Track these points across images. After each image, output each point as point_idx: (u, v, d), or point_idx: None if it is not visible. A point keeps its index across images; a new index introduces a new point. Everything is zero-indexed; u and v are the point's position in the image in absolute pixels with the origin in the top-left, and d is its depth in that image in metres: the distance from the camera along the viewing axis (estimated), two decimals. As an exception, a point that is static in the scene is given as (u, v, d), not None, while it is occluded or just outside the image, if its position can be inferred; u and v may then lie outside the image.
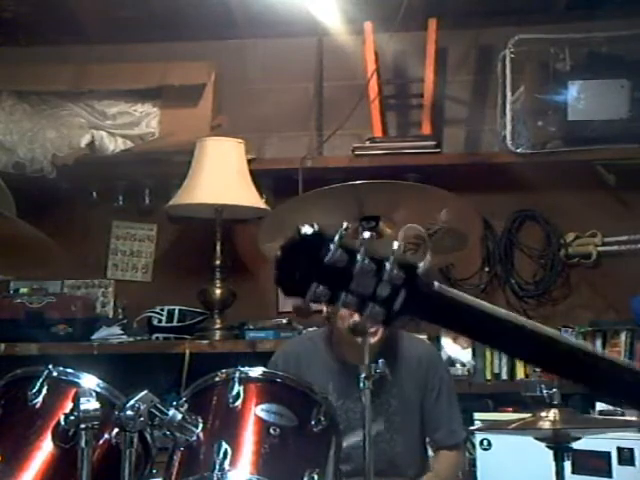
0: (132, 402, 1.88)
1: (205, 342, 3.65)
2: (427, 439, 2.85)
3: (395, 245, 1.09)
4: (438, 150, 3.80)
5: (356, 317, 2.50)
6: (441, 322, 1.20)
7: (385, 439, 2.65)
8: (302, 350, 2.83)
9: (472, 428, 3.14)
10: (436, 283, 1.12)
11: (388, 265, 1.07)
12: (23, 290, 3.90)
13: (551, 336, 1.17)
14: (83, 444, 1.85)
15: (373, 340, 2.49)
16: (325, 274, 1.07)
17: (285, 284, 1.09)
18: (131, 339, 3.79)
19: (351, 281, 1.07)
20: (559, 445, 2.32)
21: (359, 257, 1.07)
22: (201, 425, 2.03)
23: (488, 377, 3.69)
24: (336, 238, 1.08)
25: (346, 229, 1.08)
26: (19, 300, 3.79)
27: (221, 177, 3.66)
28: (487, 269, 3.93)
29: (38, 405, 2.05)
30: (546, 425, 2.30)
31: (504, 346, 1.25)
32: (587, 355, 1.18)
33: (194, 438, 2.01)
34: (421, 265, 1.09)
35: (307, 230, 1.08)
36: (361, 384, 2.09)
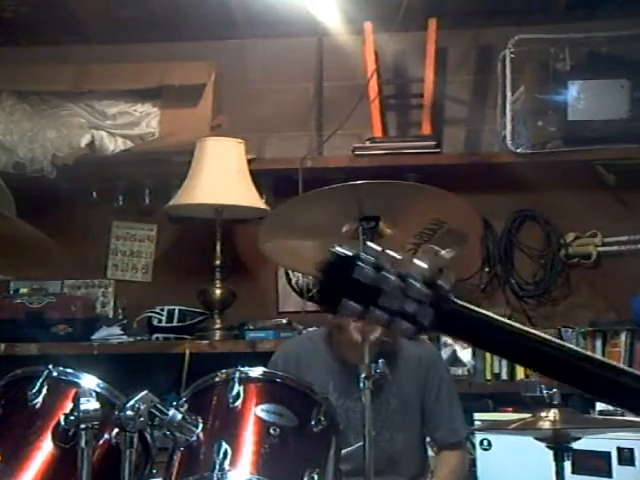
0: (132, 402, 1.88)
1: (205, 342, 3.65)
2: (428, 439, 2.85)
3: (421, 264, 1.16)
4: (438, 150, 3.80)
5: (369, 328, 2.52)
6: (465, 338, 1.29)
7: (385, 438, 2.65)
8: (302, 350, 2.84)
9: (472, 428, 3.14)
10: (460, 301, 1.18)
11: (415, 283, 1.15)
12: (23, 290, 3.90)
13: (577, 352, 1.23)
14: (83, 444, 1.85)
15: (373, 337, 2.48)
16: (355, 291, 1.15)
17: (322, 301, 1.20)
18: (131, 339, 3.79)
19: (380, 297, 1.15)
20: (559, 445, 2.32)
21: (387, 275, 1.15)
22: (201, 425, 2.03)
23: (488, 377, 3.69)
24: (365, 257, 1.16)
25: (376, 250, 1.17)
26: (19, 300, 3.79)
27: (221, 177, 3.66)
28: (487, 269, 3.93)
29: (38, 405, 2.05)
30: (546, 425, 2.30)
31: (526, 361, 1.32)
32: (613, 371, 1.23)
33: (194, 438, 2.01)
34: (445, 283, 1.16)
35: (339, 250, 1.18)
36: (361, 384, 2.09)
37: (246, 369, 2.14)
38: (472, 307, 1.19)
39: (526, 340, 1.19)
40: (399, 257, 1.17)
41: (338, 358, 2.74)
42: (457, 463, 2.77)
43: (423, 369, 2.74)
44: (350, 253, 1.17)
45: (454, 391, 2.82)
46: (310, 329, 3.37)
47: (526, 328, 1.20)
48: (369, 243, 1.20)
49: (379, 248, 1.17)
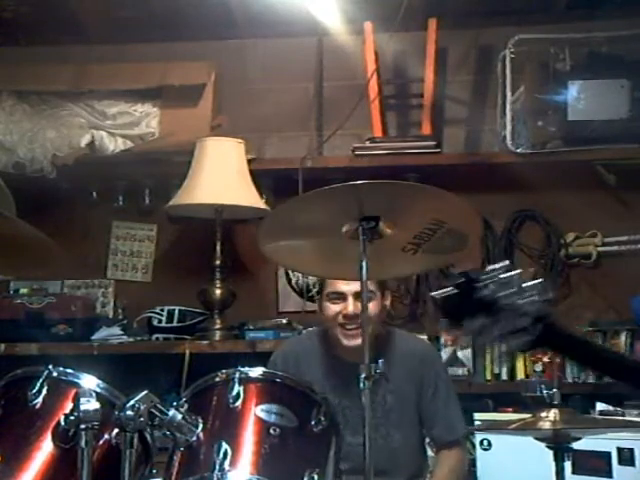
0: (132, 402, 1.88)
1: (205, 342, 3.65)
2: (427, 440, 2.85)
3: (534, 282, 1.33)
4: (438, 150, 3.80)
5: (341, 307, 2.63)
6: (561, 351, 1.48)
7: (382, 435, 2.66)
8: (301, 350, 2.84)
9: (472, 428, 3.14)
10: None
11: (530, 301, 1.30)
12: (23, 290, 3.90)
13: None
14: (83, 444, 1.85)
15: (357, 342, 2.47)
16: (477, 307, 1.31)
17: (449, 317, 1.39)
18: (131, 339, 3.79)
19: (498, 314, 1.30)
20: (559, 445, 2.32)
21: (503, 293, 1.31)
22: (201, 425, 2.03)
23: (488, 377, 3.69)
24: (485, 277, 1.32)
25: (493, 270, 1.35)
26: (19, 300, 3.79)
27: (221, 177, 3.66)
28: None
29: (38, 405, 2.05)
30: (546, 425, 2.30)
31: (606, 370, 1.54)
32: None
33: (194, 438, 2.01)
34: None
35: (461, 273, 1.36)
36: (361, 384, 2.09)
37: (246, 369, 2.14)
38: (567, 327, 1.39)
39: (604, 352, 1.45)
40: (517, 275, 1.32)
41: (335, 357, 2.75)
42: (456, 462, 2.77)
43: (419, 367, 2.75)
44: (475, 275, 1.33)
45: (452, 389, 2.82)
46: (310, 329, 3.37)
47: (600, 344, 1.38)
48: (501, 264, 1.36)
49: (500, 267, 1.33)
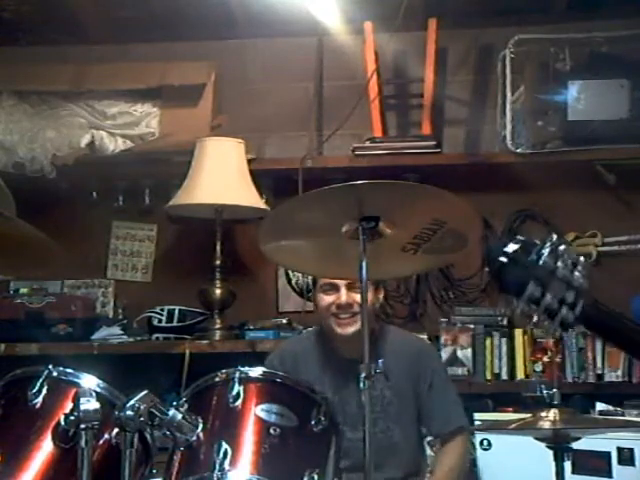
0: (132, 402, 1.88)
1: (205, 342, 3.65)
2: (429, 439, 2.86)
3: (582, 258, 1.33)
4: (438, 150, 3.80)
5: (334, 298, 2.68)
6: (596, 329, 1.43)
7: (382, 429, 2.66)
8: (299, 349, 2.86)
9: (472, 428, 3.14)
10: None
11: (581, 275, 1.31)
12: (23, 290, 3.90)
13: None
14: (83, 444, 1.85)
15: (351, 330, 2.62)
16: (535, 277, 1.30)
17: (506, 287, 1.33)
18: (131, 339, 3.79)
19: (550, 284, 1.29)
20: (559, 445, 2.31)
21: (560, 264, 1.31)
22: (201, 425, 2.03)
23: (488, 377, 3.69)
24: (547, 245, 1.32)
25: (551, 240, 1.33)
26: (19, 300, 3.79)
27: (221, 177, 3.66)
28: (487, 269, 3.93)
29: (38, 405, 2.05)
30: (546, 425, 2.30)
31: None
32: None
33: (194, 438, 2.01)
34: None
35: (516, 245, 1.33)
36: (361, 384, 2.09)
37: (246, 369, 2.14)
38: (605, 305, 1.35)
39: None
40: (567, 248, 1.31)
41: (332, 353, 2.77)
42: (457, 459, 2.75)
43: (415, 362, 2.76)
44: (533, 242, 1.32)
45: (449, 383, 2.83)
46: (308, 329, 3.37)
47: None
48: (554, 235, 1.35)
49: (555, 237, 1.32)
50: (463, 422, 2.79)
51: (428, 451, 2.95)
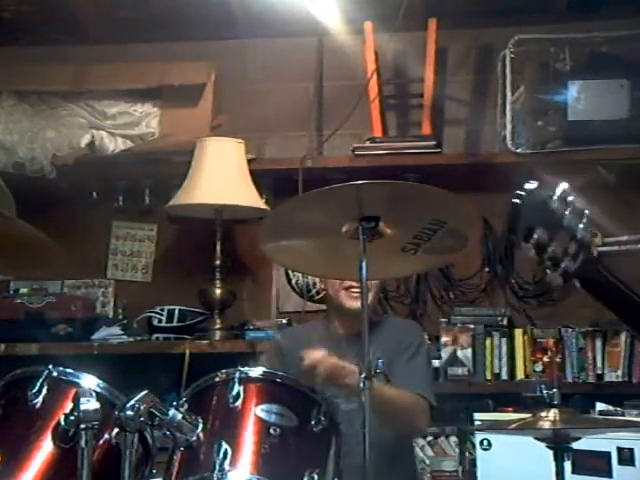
0: (132, 402, 1.88)
1: (205, 342, 3.66)
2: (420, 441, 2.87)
3: (587, 210, 1.33)
4: (438, 150, 3.80)
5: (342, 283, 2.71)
6: (592, 288, 1.48)
7: (374, 428, 2.64)
8: (305, 329, 2.95)
9: (472, 428, 3.14)
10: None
11: (582, 227, 1.31)
12: (23, 290, 3.90)
13: None
14: (83, 444, 1.85)
15: (357, 304, 2.54)
16: (544, 222, 1.33)
17: (517, 229, 1.40)
18: (131, 339, 3.79)
19: (558, 231, 1.31)
20: (559, 445, 2.31)
21: (567, 213, 1.32)
22: (201, 425, 2.03)
23: (488, 377, 3.69)
24: (558, 191, 1.34)
25: (564, 188, 1.35)
26: (19, 300, 3.80)
27: (221, 177, 3.66)
28: (487, 269, 3.93)
29: (38, 405, 2.04)
30: (546, 425, 2.30)
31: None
32: None
33: (194, 438, 2.01)
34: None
35: (531, 185, 1.38)
36: (361, 384, 2.09)
37: (246, 369, 2.14)
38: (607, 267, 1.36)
39: None
40: (575, 199, 1.33)
41: (333, 333, 2.79)
42: (413, 398, 2.62)
43: (403, 336, 2.77)
44: (541, 187, 1.35)
45: (429, 366, 2.84)
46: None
47: None
48: (565, 184, 1.37)
49: (566, 185, 1.33)
50: (426, 394, 2.65)
51: (420, 454, 2.94)
